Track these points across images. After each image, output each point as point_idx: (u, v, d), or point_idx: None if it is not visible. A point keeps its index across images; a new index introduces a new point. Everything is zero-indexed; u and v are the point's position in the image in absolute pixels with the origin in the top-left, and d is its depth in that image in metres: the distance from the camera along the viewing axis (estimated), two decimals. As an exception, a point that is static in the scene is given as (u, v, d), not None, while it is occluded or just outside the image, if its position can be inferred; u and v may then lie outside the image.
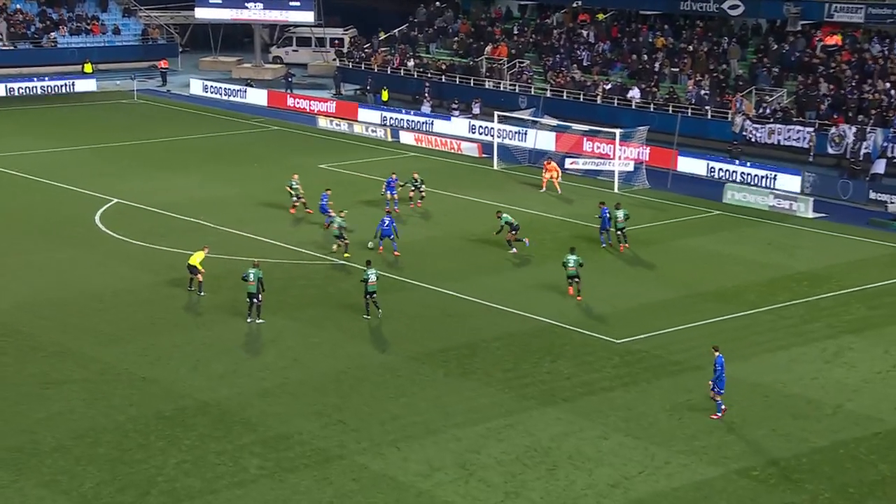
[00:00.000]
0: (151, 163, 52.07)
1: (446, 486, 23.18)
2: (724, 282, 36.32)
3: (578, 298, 34.07)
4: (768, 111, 53.60)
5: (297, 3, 75.76)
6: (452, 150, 55.38)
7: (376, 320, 32.14)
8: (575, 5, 66.51)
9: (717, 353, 26.61)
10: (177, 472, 23.59)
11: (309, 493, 22.83)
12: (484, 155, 54.07)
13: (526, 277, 36.54)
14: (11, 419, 25.89)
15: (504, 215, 38.84)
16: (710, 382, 26.54)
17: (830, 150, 50.57)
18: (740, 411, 26.80)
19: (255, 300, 31.90)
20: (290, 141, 57.91)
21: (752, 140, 53.17)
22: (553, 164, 48.31)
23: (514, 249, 38.53)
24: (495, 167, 51.92)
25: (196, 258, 34.12)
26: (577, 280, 34.14)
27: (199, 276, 34.07)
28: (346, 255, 37.56)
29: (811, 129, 51.34)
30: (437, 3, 73.99)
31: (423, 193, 44.17)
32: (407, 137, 57.87)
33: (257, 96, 68.45)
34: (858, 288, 35.92)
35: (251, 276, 32.00)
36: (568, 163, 51.05)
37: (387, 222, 37.90)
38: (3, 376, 28.29)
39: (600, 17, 66.22)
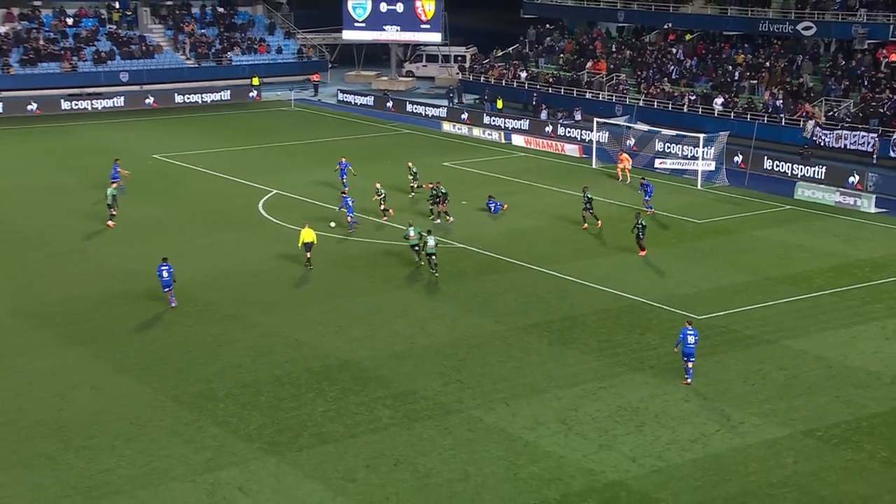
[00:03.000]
0: (304, 160, 52.92)
1: (548, 438, 23.11)
2: (793, 268, 35.33)
3: (642, 253, 35.78)
4: (836, 118, 51.86)
5: (427, 26, 76.02)
6: (556, 151, 54.94)
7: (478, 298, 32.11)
8: (666, 27, 65.27)
9: (687, 326, 25.83)
10: (323, 418, 24.00)
11: (432, 441, 22.99)
12: (584, 155, 53.52)
13: (618, 261, 36.09)
14: (193, 371, 26.67)
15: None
16: (676, 349, 26.07)
17: (892, 154, 48.73)
18: (807, 380, 26.09)
19: (423, 253, 33.82)
20: (418, 142, 58.21)
21: (822, 144, 51.52)
22: (625, 154, 48.05)
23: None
24: (593, 166, 51.34)
25: (311, 235, 34.24)
26: (642, 238, 35.86)
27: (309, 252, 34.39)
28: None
29: (875, 135, 49.55)
30: (546, 24, 73.37)
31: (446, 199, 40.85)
32: (518, 140, 57.60)
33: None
34: (915, 275, 34.61)
35: (411, 232, 34.30)
36: (657, 162, 50.18)
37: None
38: (186, 336, 29.14)
39: (688, 37, 64.84)
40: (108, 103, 68.15)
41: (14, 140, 58.03)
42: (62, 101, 67.22)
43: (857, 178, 46.36)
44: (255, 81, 74.21)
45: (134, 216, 41.06)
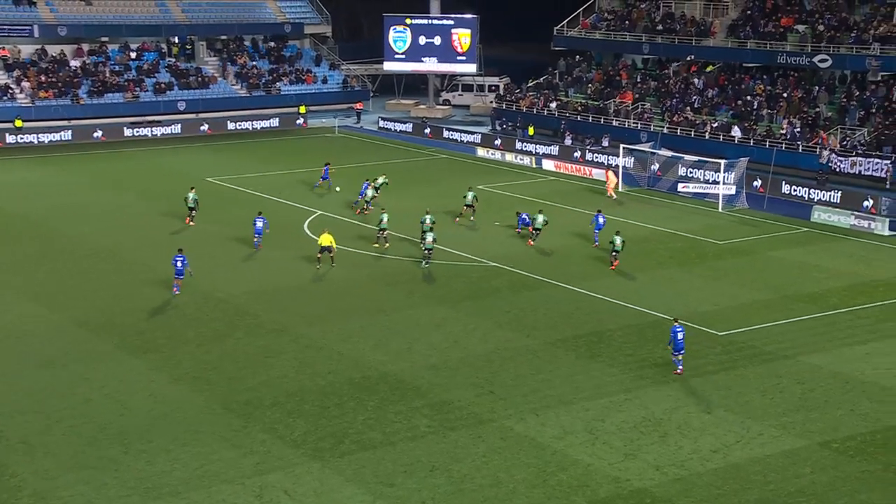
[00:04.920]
0: (346, 183, 53.08)
1: (576, 447, 22.96)
2: (810, 287, 34.92)
3: (612, 267, 36.39)
4: (850, 146, 51.29)
5: (464, 58, 76.24)
6: (585, 175, 54.78)
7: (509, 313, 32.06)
8: (689, 59, 65.00)
9: (676, 324, 26.80)
10: (364, 426, 24.01)
11: (466, 448, 22.92)
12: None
13: (643, 280, 35.87)
14: (241, 380, 26.80)
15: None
16: (668, 346, 27.05)
17: (905, 179, 48.17)
18: (823, 394, 25.73)
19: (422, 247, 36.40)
20: (455, 167, 58.36)
21: (837, 170, 50.98)
22: (611, 172, 47.89)
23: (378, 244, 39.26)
24: (620, 190, 51.12)
25: (329, 240, 35.87)
26: (616, 255, 36.49)
27: (332, 252, 35.93)
28: (377, 245, 38.82)
29: (888, 161, 48.97)
30: (576, 56, 73.36)
31: (474, 206, 43.56)
32: (548, 164, 57.52)
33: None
34: (928, 295, 34.07)
35: (384, 218, 37.49)
36: (680, 186, 49.88)
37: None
38: (235, 347, 29.30)
39: (709, 68, 64.52)
40: (167, 130, 68.97)
41: (82, 164, 58.91)
42: (125, 128, 68.18)
43: (872, 202, 45.77)
44: (302, 109, 74.82)
45: (192, 234, 41.44)
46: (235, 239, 41.35)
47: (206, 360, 28.23)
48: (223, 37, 79.80)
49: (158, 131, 68.86)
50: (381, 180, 47.55)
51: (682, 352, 26.80)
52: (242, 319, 31.53)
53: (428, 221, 37.81)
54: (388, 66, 78.97)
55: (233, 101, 74.45)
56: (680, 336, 26.69)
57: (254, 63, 78.59)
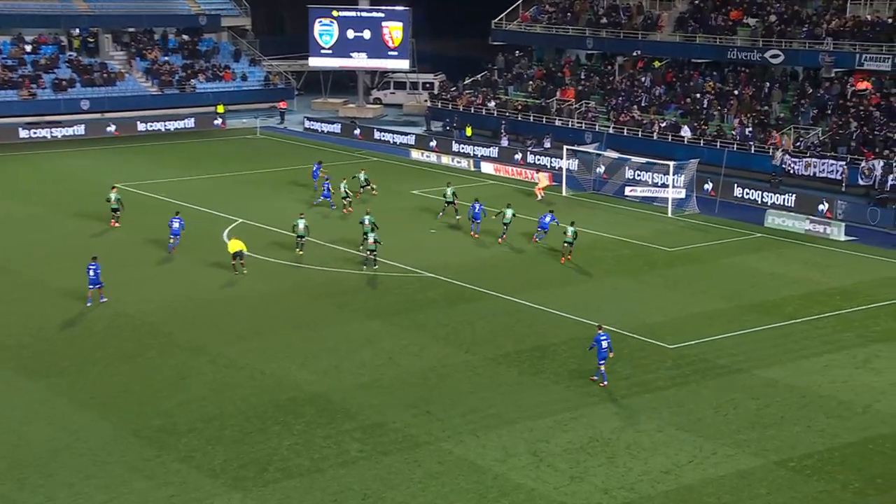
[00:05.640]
0: (270, 188, 52.80)
1: (519, 471, 23.04)
2: (764, 296, 35.64)
3: (563, 260, 38.61)
4: (805, 146, 52.59)
5: (395, 53, 76.34)
6: (526, 179, 55.20)
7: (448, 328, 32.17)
8: (635, 54, 65.99)
9: (600, 331, 27.62)
10: (289, 452, 23.80)
11: (401, 474, 22.86)
12: (553, 183, 53.82)
13: (588, 289, 36.25)
14: (154, 404, 26.37)
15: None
16: (592, 351, 27.82)
17: (861, 182, 49.45)
18: (779, 409, 26.24)
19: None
20: (388, 170, 58.32)
21: (791, 172, 52.21)
22: (541, 173, 49.27)
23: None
24: (564, 193, 51.64)
25: (238, 245, 36.86)
26: (570, 247, 38.71)
27: (242, 259, 36.86)
28: (301, 253, 39.50)
29: (843, 163, 50.29)
30: (515, 52, 73.98)
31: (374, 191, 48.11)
32: (487, 167, 57.86)
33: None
34: (886, 303, 34.98)
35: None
36: (627, 190, 50.56)
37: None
38: (148, 368, 28.83)
39: (657, 64, 65.61)
40: (69, 131, 67.62)
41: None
42: (20, 129, 66.65)
43: (827, 205, 46.94)
44: (220, 109, 74.05)
45: (98, 245, 40.66)
46: (147, 250, 40.73)
47: (115, 382, 27.72)
48: (131, 29, 78.60)
49: (59, 132, 67.49)
50: (362, 176, 49.53)
51: (604, 361, 27.53)
52: (155, 337, 31.07)
53: (367, 222, 38.81)
54: (314, 62, 78.67)
55: (142, 100, 73.38)
56: (605, 345, 27.41)
57: (165, 58, 77.60)
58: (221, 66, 78.89)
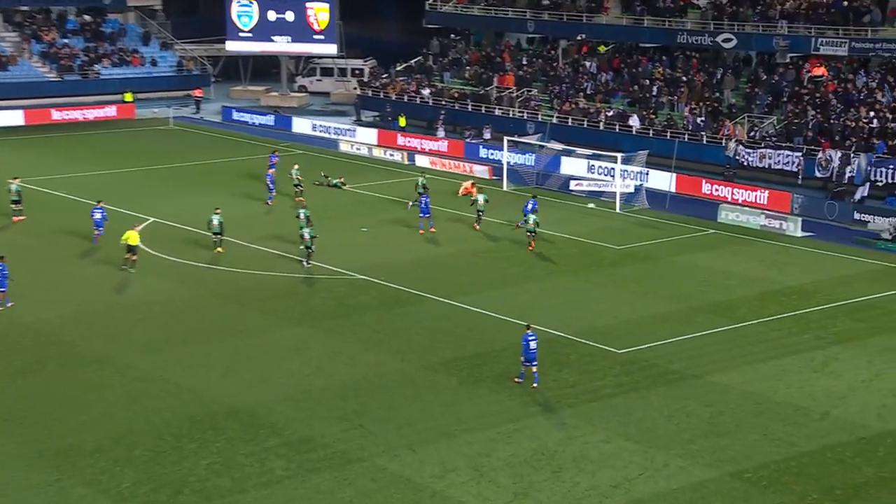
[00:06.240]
0: (185, 184, 52.24)
1: (459, 487, 23.10)
2: (717, 296, 36.21)
3: (531, 247, 40.49)
4: (759, 137, 53.54)
5: (322, 37, 76.04)
6: (464, 173, 55.34)
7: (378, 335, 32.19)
8: (579, 38, 66.56)
9: (528, 331, 28.14)
10: (208, 472, 23.57)
11: (331, 493, 22.78)
12: (494, 177, 54.07)
13: (531, 291, 36.47)
14: (55, 423, 25.90)
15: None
16: (521, 357, 28.21)
17: (818, 174, 50.45)
18: (734, 417, 26.67)
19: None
20: (315, 164, 57.99)
21: (745, 164, 53.12)
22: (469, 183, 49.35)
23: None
24: (505, 188, 51.90)
25: (134, 238, 36.78)
26: (534, 235, 40.88)
27: (135, 256, 37.12)
28: (220, 251, 39.77)
29: (799, 154, 51.26)
30: (451, 35, 74.14)
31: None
32: (422, 160, 57.92)
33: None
34: (844, 302, 35.76)
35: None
36: (573, 184, 50.99)
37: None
38: (48, 383, 28.33)
39: (602, 49, 66.25)
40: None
41: None
42: None
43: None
44: (129, 97, 73.09)
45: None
46: (45, 251, 40.05)
47: (12, 399, 27.17)
48: (24, 8, 77.01)
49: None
50: (294, 171, 49.18)
51: (535, 363, 28.02)
52: (56, 348, 30.57)
53: (302, 216, 39.55)
54: (232, 47, 78.02)
55: (39, 87, 72.03)
56: (532, 346, 27.94)
57: (65, 41, 76.21)
58: (129, 50, 77.79)
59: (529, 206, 42.85)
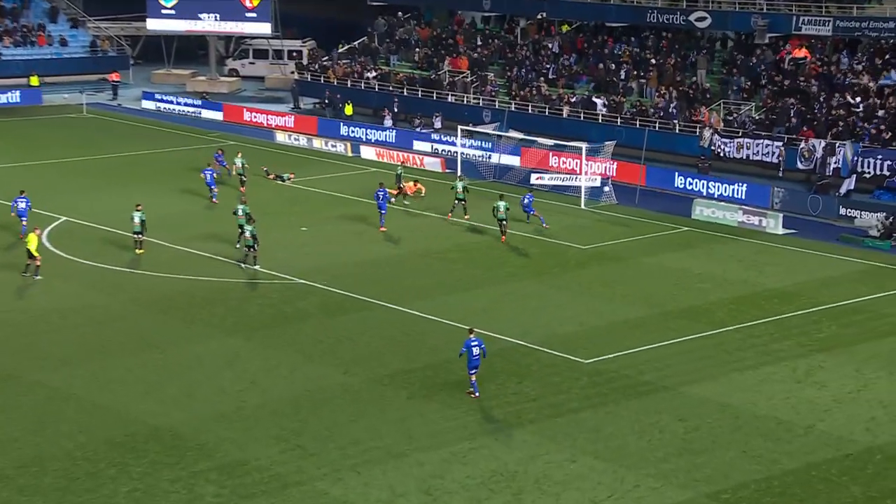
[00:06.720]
0: (102, 179, 51.77)
1: (409, 513, 23.12)
2: (692, 299, 36.54)
3: (503, 239, 41.61)
4: (737, 124, 54.07)
5: (254, 15, 75.70)
6: (415, 166, 55.38)
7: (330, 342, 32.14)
8: (539, 17, 66.83)
9: (470, 336, 28.35)
10: (128, 500, 23.37)
11: (266, 522, 22.71)
12: (447, 170, 54.15)
13: (489, 296, 36.57)
14: (-46, 447, 25.58)
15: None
16: (459, 357, 28.64)
17: (800, 165, 51.03)
18: (710, 433, 26.92)
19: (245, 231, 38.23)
20: (248, 156, 57.67)
21: (721, 155, 53.57)
22: (414, 183, 49.64)
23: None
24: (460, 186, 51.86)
25: (32, 243, 36.49)
26: (505, 223, 41.88)
27: (38, 261, 36.73)
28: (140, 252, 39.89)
29: (780, 144, 51.79)
30: (399, 13, 74.15)
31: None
32: (368, 152, 57.88)
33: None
34: (829, 305, 36.22)
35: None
36: (534, 178, 51.20)
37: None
38: (-55, 402, 27.98)
39: (565, 28, 66.60)
40: None
41: None
42: None
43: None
44: (34, 81, 72.33)
45: None
46: (-55, 256, 39.53)
47: None
48: None
49: None
50: (238, 159, 49.87)
51: (477, 370, 28.31)
52: (-43, 365, 30.17)
53: (241, 213, 39.47)
54: (153, 25, 77.50)
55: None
56: (476, 352, 28.16)
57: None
58: (33, 28, 76.86)
59: (526, 201, 44.09)
